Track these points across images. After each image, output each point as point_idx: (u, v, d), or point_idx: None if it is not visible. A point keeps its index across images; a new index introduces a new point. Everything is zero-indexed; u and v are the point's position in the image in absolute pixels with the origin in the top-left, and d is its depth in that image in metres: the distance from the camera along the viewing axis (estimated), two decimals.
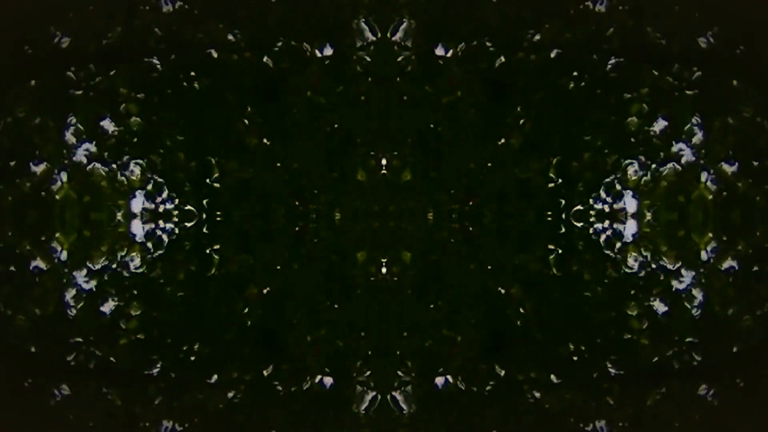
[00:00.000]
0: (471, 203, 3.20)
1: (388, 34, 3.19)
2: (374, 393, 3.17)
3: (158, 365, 3.19)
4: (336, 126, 3.20)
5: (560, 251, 3.21)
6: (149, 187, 3.21)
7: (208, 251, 3.22)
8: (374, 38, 3.19)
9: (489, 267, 3.21)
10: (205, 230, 3.21)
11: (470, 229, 3.20)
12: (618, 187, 3.22)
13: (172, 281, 3.21)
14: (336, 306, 3.21)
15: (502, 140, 3.21)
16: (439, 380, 3.19)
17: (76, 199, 3.20)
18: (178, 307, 3.21)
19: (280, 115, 3.20)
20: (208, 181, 3.21)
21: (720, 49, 3.20)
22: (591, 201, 3.22)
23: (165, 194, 3.21)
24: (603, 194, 3.22)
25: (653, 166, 3.21)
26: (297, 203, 3.20)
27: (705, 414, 3.15)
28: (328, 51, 3.20)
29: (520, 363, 3.19)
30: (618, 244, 3.22)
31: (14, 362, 3.17)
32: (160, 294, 3.21)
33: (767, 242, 3.19)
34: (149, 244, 3.22)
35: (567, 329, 3.20)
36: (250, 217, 3.20)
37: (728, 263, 3.20)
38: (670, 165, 3.21)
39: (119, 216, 3.21)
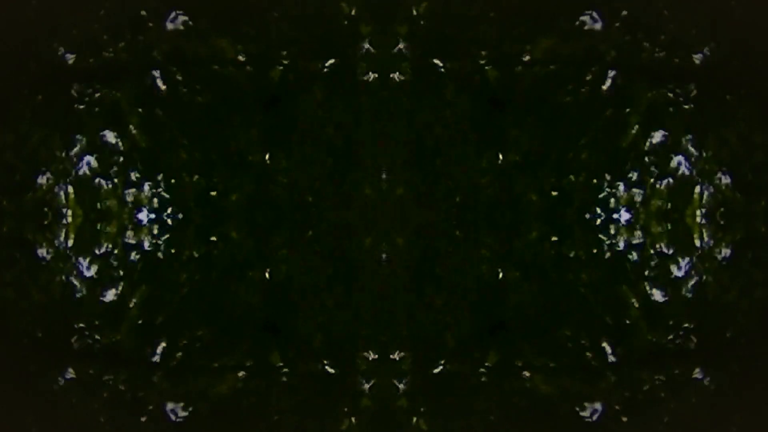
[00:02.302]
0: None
1: (388, 49, 3.22)
2: (375, 379, 3.20)
3: (162, 349, 3.22)
4: (338, 140, 3.24)
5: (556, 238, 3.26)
6: (155, 203, 3.25)
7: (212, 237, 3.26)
8: (374, 52, 3.21)
9: (485, 252, 3.25)
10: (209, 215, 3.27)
11: (466, 216, 3.25)
12: (612, 203, 3.26)
13: (176, 264, 3.25)
14: (338, 291, 3.25)
15: (499, 156, 3.25)
16: (436, 366, 3.21)
17: (81, 213, 3.23)
18: (182, 291, 3.25)
19: (284, 130, 3.24)
20: (212, 194, 3.26)
21: (715, 65, 3.23)
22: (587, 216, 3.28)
23: (170, 210, 3.26)
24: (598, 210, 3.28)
25: (650, 181, 3.25)
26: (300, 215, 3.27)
27: (700, 398, 3.17)
28: (331, 65, 3.23)
29: (516, 347, 3.23)
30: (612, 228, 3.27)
31: (19, 346, 3.18)
32: (164, 277, 3.25)
33: (762, 228, 3.23)
34: (155, 228, 3.27)
35: (563, 313, 3.24)
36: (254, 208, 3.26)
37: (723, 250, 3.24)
38: (666, 180, 3.25)
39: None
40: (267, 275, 3.27)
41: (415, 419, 3.17)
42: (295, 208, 3.26)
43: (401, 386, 3.18)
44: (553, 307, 3.25)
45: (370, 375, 3.20)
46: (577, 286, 3.24)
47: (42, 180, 3.21)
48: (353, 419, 3.18)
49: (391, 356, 3.19)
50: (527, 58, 3.22)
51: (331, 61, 3.23)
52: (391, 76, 3.21)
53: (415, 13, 3.21)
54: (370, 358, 3.20)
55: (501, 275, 3.25)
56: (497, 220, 3.25)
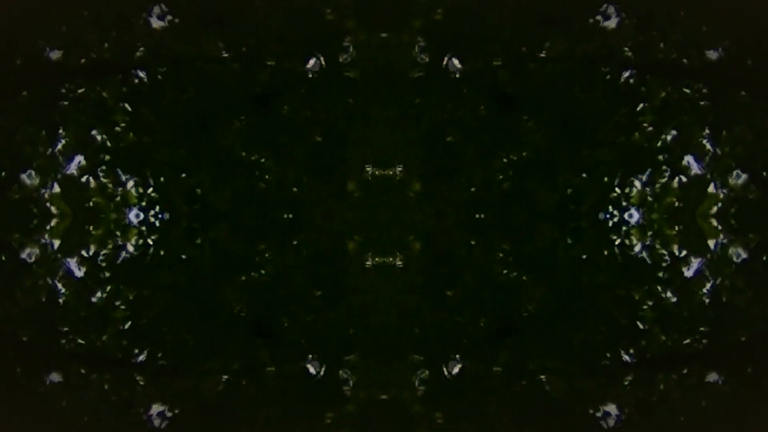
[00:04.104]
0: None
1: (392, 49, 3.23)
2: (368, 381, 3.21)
3: (148, 352, 3.22)
4: (328, 139, 3.24)
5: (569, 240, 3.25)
6: (143, 202, 3.24)
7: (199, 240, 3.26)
8: (370, 53, 3.22)
9: (498, 254, 3.25)
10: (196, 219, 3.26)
11: (478, 216, 3.24)
12: (624, 202, 3.25)
13: (163, 267, 3.25)
14: (334, 294, 3.26)
15: (512, 154, 3.25)
16: (448, 367, 3.21)
17: (70, 212, 3.23)
18: (168, 293, 3.25)
19: (272, 128, 3.23)
20: (199, 192, 3.25)
21: (729, 62, 3.20)
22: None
23: (157, 210, 3.25)
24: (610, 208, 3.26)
25: (662, 180, 3.23)
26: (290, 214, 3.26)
27: (713, 400, 3.15)
28: (322, 63, 3.22)
29: (529, 350, 3.22)
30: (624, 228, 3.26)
31: (5, 349, 3.19)
32: (150, 279, 3.24)
33: None
34: (143, 229, 3.26)
35: (577, 315, 3.23)
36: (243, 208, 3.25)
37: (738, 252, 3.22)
38: (678, 178, 3.23)
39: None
40: (254, 276, 3.27)
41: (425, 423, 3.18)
42: (284, 207, 3.25)
43: (414, 388, 3.19)
44: (566, 309, 3.24)
45: (359, 377, 3.20)
46: (591, 288, 3.24)
47: (28, 178, 3.21)
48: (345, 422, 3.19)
49: (392, 358, 3.20)
50: (541, 55, 3.20)
51: (322, 57, 3.23)
52: (398, 74, 3.23)
53: (429, 10, 3.23)
54: (363, 360, 3.21)
55: (514, 277, 3.26)
56: (510, 220, 3.24)
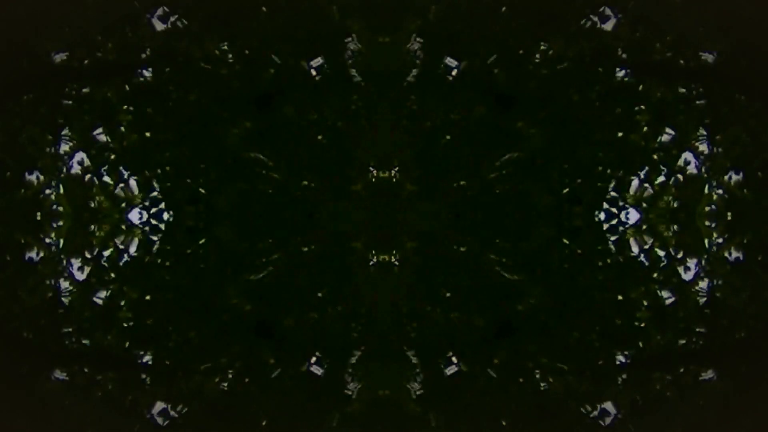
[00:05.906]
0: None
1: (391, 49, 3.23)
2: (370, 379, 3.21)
3: (152, 352, 3.22)
4: (331, 140, 3.24)
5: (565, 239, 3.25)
6: (146, 202, 3.25)
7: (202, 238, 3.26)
8: (371, 52, 3.22)
9: (494, 254, 3.25)
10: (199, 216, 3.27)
11: (474, 215, 3.25)
12: (621, 202, 3.25)
13: (167, 267, 3.25)
14: (336, 292, 3.26)
15: (508, 155, 3.24)
16: (444, 366, 3.21)
17: (71, 211, 3.23)
18: (172, 292, 3.25)
19: (276, 128, 3.23)
20: (202, 191, 3.25)
21: (725, 62, 3.21)
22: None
23: (161, 209, 3.25)
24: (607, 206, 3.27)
25: (658, 179, 3.24)
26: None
27: (709, 400, 3.15)
28: (324, 63, 3.22)
29: (525, 349, 3.22)
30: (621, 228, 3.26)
31: (9, 348, 3.20)
32: (154, 279, 3.24)
33: None
34: (146, 229, 3.26)
35: (573, 315, 3.23)
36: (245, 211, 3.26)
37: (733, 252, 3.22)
38: (674, 178, 3.23)
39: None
40: (258, 276, 3.26)
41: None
42: (287, 207, 3.25)
43: (409, 389, 3.19)
44: (562, 309, 3.24)
45: (361, 376, 3.20)
46: (587, 288, 3.24)
47: (32, 178, 3.21)
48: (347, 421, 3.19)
49: (392, 358, 3.21)
50: (537, 56, 3.20)
51: (325, 58, 3.23)
52: (395, 74, 3.23)
53: (426, 10, 3.22)
54: (363, 360, 3.21)
55: (511, 276, 3.25)
56: (507, 220, 3.25)
